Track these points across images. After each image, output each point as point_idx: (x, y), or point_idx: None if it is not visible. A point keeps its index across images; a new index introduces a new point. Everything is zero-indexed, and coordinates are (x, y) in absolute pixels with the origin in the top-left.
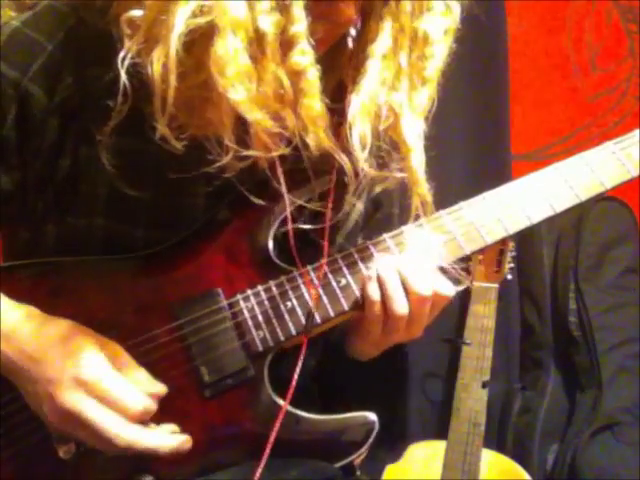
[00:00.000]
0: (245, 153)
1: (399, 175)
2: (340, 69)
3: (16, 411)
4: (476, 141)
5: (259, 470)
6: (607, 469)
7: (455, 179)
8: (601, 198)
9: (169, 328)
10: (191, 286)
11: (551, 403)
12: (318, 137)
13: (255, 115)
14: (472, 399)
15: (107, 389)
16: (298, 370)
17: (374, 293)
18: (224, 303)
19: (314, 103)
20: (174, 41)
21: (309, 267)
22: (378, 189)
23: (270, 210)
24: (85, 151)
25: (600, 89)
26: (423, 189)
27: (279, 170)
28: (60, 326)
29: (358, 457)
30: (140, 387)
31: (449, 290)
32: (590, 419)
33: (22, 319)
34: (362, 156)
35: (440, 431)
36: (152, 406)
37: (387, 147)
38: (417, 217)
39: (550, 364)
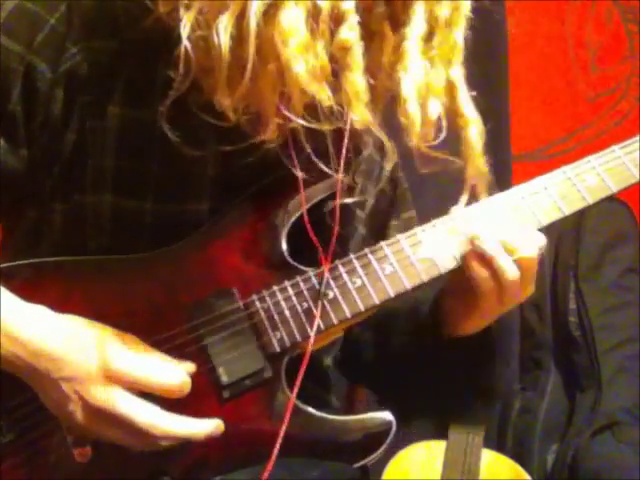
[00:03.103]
0: (293, 121)
1: (451, 158)
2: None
3: (30, 413)
4: None
5: (270, 465)
6: (607, 469)
7: (455, 179)
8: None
9: (185, 329)
10: (206, 286)
11: (551, 403)
12: (362, 112)
13: (313, 87)
14: None
15: (138, 374)
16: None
17: (481, 271)
18: (240, 304)
19: (358, 78)
20: (254, 12)
21: (324, 268)
22: (388, 167)
23: (284, 208)
24: (91, 124)
25: (600, 89)
26: (480, 161)
27: (295, 161)
28: (73, 322)
29: (375, 458)
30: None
31: (543, 239)
32: (590, 419)
33: (33, 319)
34: (416, 131)
35: (440, 431)
36: (187, 379)
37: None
38: (473, 193)
39: (550, 364)
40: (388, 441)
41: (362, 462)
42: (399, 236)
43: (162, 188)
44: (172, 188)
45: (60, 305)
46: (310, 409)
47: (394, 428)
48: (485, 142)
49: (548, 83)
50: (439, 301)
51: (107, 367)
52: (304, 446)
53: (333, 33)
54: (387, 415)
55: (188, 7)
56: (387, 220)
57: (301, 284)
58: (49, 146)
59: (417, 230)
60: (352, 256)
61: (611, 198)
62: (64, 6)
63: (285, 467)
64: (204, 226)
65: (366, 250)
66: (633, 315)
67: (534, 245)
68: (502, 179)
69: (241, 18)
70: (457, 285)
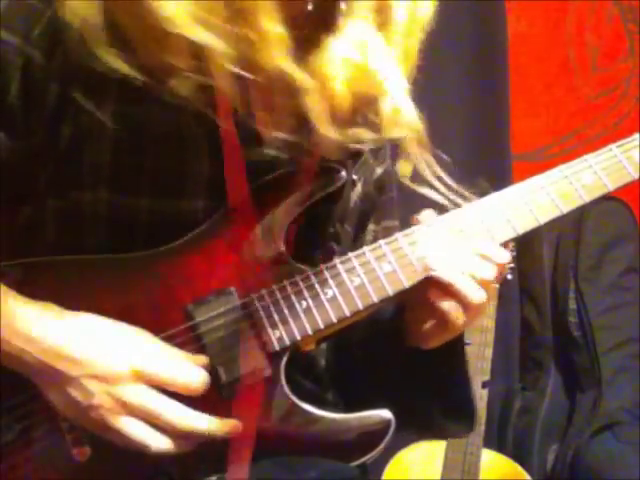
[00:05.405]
0: (206, 81)
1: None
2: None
3: (29, 413)
4: (476, 141)
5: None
6: (607, 469)
7: (455, 179)
8: (601, 198)
9: (184, 328)
10: (205, 285)
11: (551, 403)
12: (272, 56)
13: (199, 35)
14: None
15: (165, 375)
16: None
17: (445, 302)
18: (238, 302)
19: (268, 24)
20: None
21: (323, 266)
22: (379, 171)
23: (282, 207)
24: (87, 118)
25: (600, 89)
26: (407, 116)
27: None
28: (89, 320)
29: (374, 456)
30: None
31: (505, 256)
32: (590, 419)
33: (47, 317)
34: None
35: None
36: (207, 376)
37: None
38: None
39: (550, 364)
40: (387, 439)
41: (360, 460)
42: (397, 234)
43: (157, 184)
44: (167, 185)
45: (59, 304)
46: (308, 407)
47: (393, 426)
48: (485, 142)
49: (548, 83)
50: (400, 312)
51: (136, 367)
52: (302, 445)
53: None
54: (385, 413)
55: None
56: (366, 222)
57: (300, 283)
58: (45, 140)
59: (414, 229)
60: (351, 254)
61: (611, 198)
62: None
63: (283, 466)
64: (203, 225)
65: (365, 249)
66: (633, 315)
67: (492, 265)
68: (502, 179)
69: None
70: (416, 305)
